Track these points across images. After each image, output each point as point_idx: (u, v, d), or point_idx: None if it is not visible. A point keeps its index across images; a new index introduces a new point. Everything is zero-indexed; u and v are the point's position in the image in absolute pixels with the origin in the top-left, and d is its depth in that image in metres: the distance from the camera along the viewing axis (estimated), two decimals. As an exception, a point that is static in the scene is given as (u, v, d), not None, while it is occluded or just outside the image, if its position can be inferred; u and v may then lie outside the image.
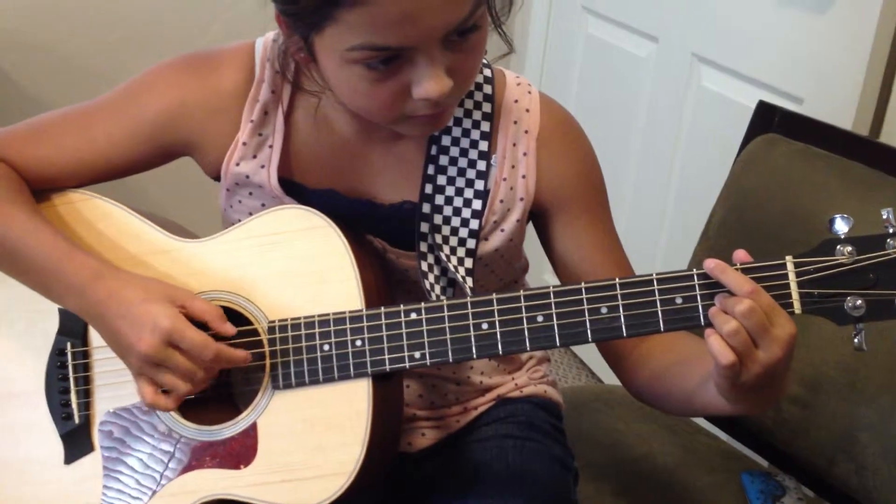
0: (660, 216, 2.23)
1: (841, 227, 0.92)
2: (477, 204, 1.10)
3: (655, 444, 1.49)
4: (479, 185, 1.11)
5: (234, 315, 1.07)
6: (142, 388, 1.03)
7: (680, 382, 1.04)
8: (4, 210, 1.08)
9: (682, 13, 2.10)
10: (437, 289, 1.09)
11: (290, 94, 1.11)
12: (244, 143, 1.11)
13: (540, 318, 0.98)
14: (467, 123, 1.11)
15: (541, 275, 2.59)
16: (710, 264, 0.93)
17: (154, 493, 1.08)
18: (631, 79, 2.28)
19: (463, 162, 1.10)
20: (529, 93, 1.13)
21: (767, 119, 1.50)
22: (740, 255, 0.94)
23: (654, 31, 2.19)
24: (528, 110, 1.12)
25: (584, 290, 0.97)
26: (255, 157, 1.11)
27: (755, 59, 1.91)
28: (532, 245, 1.19)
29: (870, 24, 1.61)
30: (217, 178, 1.14)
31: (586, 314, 0.96)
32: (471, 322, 0.99)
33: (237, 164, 1.11)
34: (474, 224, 1.10)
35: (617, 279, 0.96)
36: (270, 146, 1.11)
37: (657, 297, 0.94)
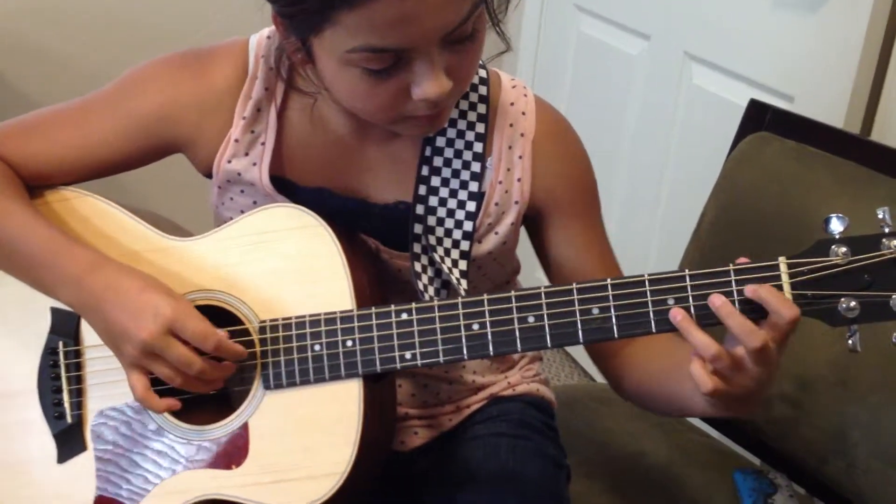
0: (652, 214, 2.24)
1: (836, 226, 0.91)
2: (471, 206, 1.10)
3: (647, 442, 1.49)
4: (474, 186, 1.10)
5: (225, 314, 1.07)
6: (134, 382, 1.02)
7: (669, 386, 1.05)
8: None
9: (674, 12, 2.10)
10: (431, 290, 1.09)
11: (284, 92, 1.11)
12: (236, 141, 1.11)
13: (531, 319, 0.98)
14: (462, 125, 1.10)
15: (533, 273, 2.60)
16: (678, 316, 0.93)
17: (146, 492, 1.08)
18: (623, 77, 2.28)
19: (457, 163, 1.10)
20: (525, 95, 1.13)
21: (759, 117, 1.50)
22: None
23: (646, 29, 2.19)
24: (524, 113, 1.12)
25: (575, 291, 0.97)
26: (247, 154, 1.11)
27: (747, 58, 1.91)
28: (525, 246, 1.19)
29: (860, 23, 1.62)
30: (209, 175, 1.14)
31: (577, 315, 0.96)
32: (462, 323, 0.99)
33: (229, 162, 1.11)
34: (468, 226, 1.10)
35: (609, 280, 0.96)
36: (263, 143, 1.11)
37: (649, 299, 0.94)
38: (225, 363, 1.03)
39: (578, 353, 2.62)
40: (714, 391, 0.91)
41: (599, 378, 1.19)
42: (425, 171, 1.11)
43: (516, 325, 0.98)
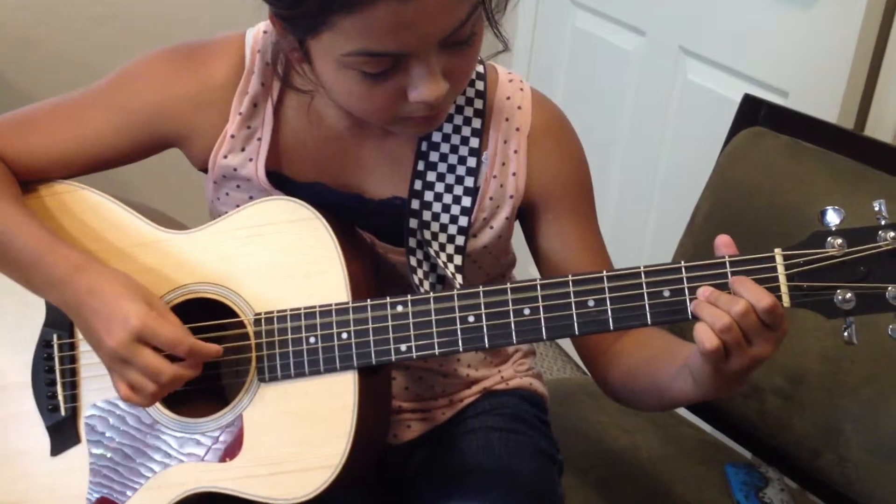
0: (646, 209, 2.24)
1: (832, 218, 0.91)
2: (466, 201, 1.10)
3: (639, 435, 1.49)
4: (469, 181, 1.10)
5: (220, 307, 1.07)
6: (115, 383, 1.03)
7: (652, 376, 1.05)
8: None
9: (669, 7, 2.10)
10: (427, 284, 1.09)
11: (280, 87, 1.10)
12: (232, 136, 1.10)
13: (527, 311, 0.98)
14: (458, 120, 1.10)
15: (527, 268, 2.60)
16: (732, 280, 0.92)
17: (140, 485, 1.08)
18: (618, 72, 2.28)
19: (453, 158, 1.10)
20: (522, 90, 1.13)
21: (753, 112, 1.50)
22: (723, 241, 0.94)
23: (642, 24, 2.19)
24: (519, 107, 1.12)
25: (571, 283, 0.97)
26: (243, 149, 1.11)
27: (741, 53, 1.91)
28: (520, 239, 1.19)
29: (855, 18, 1.62)
30: (205, 169, 1.14)
31: (573, 307, 0.96)
32: (457, 315, 0.99)
33: (225, 157, 1.11)
34: (463, 221, 1.10)
35: (604, 272, 0.96)
36: (259, 139, 1.11)
37: (644, 290, 0.94)
38: (197, 363, 1.02)
39: (572, 347, 2.62)
40: (717, 349, 0.90)
41: (592, 372, 1.19)
42: (421, 166, 1.11)
43: (512, 318, 0.98)
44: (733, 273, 0.92)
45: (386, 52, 0.92)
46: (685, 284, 0.93)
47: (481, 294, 0.99)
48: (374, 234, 1.12)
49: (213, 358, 1.03)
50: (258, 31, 1.11)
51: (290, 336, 1.04)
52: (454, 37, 0.93)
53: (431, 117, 1.00)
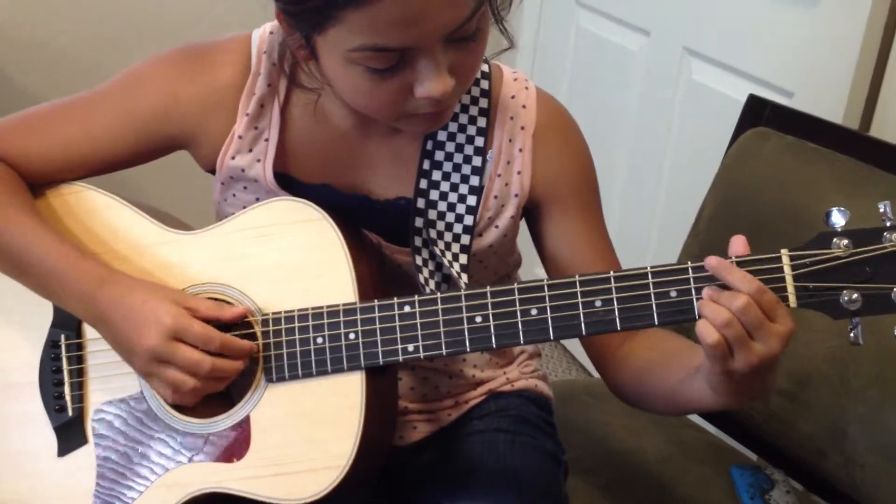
0: (651, 209, 2.24)
1: (838, 219, 0.91)
2: (472, 200, 1.10)
3: (644, 437, 1.49)
4: (475, 180, 1.11)
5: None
6: (156, 389, 1.05)
7: (664, 378, 1.05)
8: (6, 215, 1.08)
9: (673, 7, 2.10)
10: (432, 284, 1.09)
11: (287, 87, 1.11)
12: (240, 137, 1.11)
13: (534, 312, 0.98)
14: (464, 119, 1.11)
15: (532, 268, 2.60)
16: (713, 262, 0.92)
17: (147, 486, 1.08)
18: (622, 72, 2.28)
19: (458, 157, 1.11)
20: (526, 88, 1.13)
21: (758, 112, 1.50)
22: (739, 242, 0.94)
23: (646, 24, 2.20)
24: (524, 106, 1.12)
25: (578, 284, 0.97)
26: (250, 150, 1.11)
27: (746, 53, 1.91)
28: (525, 239, 1.19)
29: (860, 18, 1.62)
30: (212, 171, 1.14)
31: (580, 307, 0.96)
32: (464, 315, 1.00)
33: (233, 158, 1.11)
34: (469, 220, 1.10)
35: (611, 272, 0.96)
36: (266, 140, 1.11)
37: (651, 291, 0.94)
38: (235, 357, 1.03)
39: (577, 348, 2.62)
40: (718, 343, 0.89)
41: (597, 373, 1.19)
42: (427, 165, 1.11)
43: (519, 318, 0.98)
44: None
45: (392, 47, 0.93)
46: (692, 285, 0.93)
47: (488, 294, 0.99)
48: (379, 235, 1.13)
49: (248, 354, 1.04)
50: (264, 32, 1.11)
51: (297, 336, 1.04)
52: (460, 32, 0.94)
53: (437, 114, 1.01)
